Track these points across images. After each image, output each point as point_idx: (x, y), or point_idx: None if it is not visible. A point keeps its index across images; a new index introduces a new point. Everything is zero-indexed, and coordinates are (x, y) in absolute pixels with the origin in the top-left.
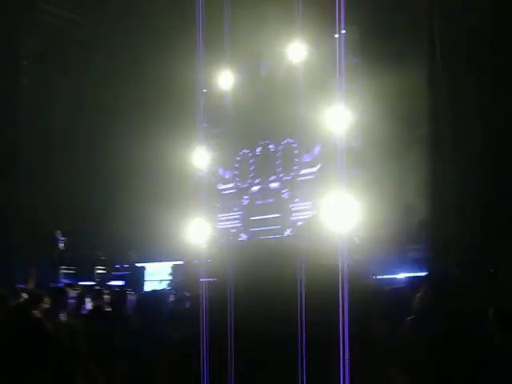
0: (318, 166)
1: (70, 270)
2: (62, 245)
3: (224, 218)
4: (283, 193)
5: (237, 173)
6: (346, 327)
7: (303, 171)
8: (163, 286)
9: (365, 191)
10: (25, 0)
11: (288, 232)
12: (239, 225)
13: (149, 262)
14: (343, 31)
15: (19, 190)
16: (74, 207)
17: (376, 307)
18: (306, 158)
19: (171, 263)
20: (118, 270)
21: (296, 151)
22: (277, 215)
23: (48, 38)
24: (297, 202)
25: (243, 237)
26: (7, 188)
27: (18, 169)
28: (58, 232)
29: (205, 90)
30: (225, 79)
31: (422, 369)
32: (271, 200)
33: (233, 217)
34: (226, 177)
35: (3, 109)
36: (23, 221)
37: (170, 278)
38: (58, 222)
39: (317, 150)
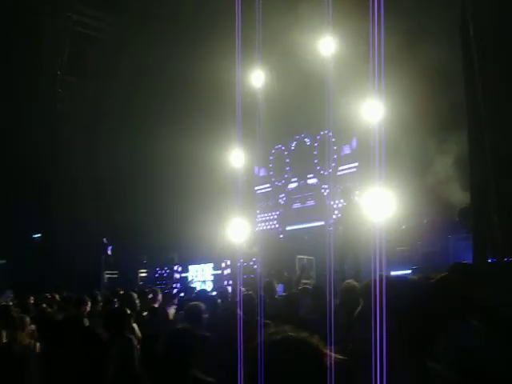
0: (357, 159)
1: (114, 274)
2: (110, 251)
3: (262, 218)
4: (322, 188)
5: (272, 171)
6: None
7: (343, 166)
8: (207, 287)
9: (406, 183)
10: (54, 10)
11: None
12: (277, 226)
13: (191, 263)
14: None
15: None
16: (119, 214)
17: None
18: (346, 151)
19: (212, 264)
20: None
21: (334, 145)
22: (320, 223)
23: (78, 46)
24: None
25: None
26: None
27: (68, 184)
28: (105, 239)
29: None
30: (258, 76)
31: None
32: (311, 202)
33: (270, 217)
34: (261, 175)
35: (44, 121)
36: (75, 232)
37: (213, 278)
38: (105, 230)
39: (355, 141)
